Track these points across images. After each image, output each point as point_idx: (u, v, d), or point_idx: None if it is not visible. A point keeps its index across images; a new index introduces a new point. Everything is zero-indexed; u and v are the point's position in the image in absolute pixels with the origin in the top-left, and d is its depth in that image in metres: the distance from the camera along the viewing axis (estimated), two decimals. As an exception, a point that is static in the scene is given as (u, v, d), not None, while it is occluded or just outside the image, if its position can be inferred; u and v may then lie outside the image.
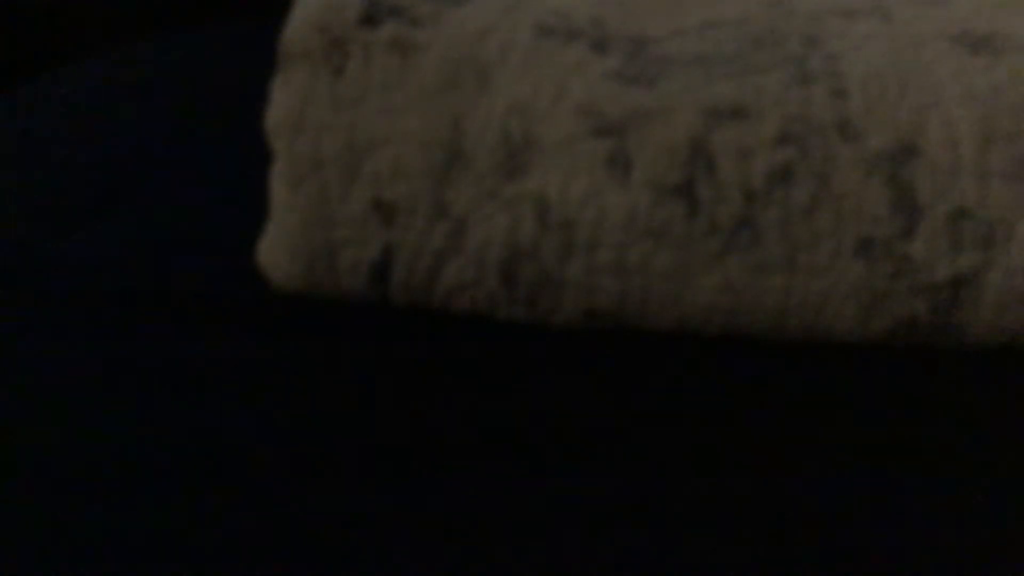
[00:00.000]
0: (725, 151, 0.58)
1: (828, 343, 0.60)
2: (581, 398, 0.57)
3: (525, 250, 0.60)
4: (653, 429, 0.55)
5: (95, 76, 1.02)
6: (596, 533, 0.48)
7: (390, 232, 0.61)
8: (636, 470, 0.52)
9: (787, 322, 0.60)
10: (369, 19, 0.61)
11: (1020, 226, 0.58)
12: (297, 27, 0.61)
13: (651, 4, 0.65)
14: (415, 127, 0.60)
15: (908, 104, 0.59)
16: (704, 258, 0.59)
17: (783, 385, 0.58)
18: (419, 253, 0.61)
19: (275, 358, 0.59)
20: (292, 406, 0.56)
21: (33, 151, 0.86)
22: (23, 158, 0.85)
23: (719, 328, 0.61)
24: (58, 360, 0.59)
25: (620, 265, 0.59)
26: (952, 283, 0.58)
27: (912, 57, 0.60)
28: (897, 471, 0.52)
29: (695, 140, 0.58)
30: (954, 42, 0.61)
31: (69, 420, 0.55)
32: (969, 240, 0.58)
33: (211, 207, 0.75)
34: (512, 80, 0.60)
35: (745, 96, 0.59)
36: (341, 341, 0.61)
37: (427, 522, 0.49)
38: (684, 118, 0.58)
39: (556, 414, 0.56)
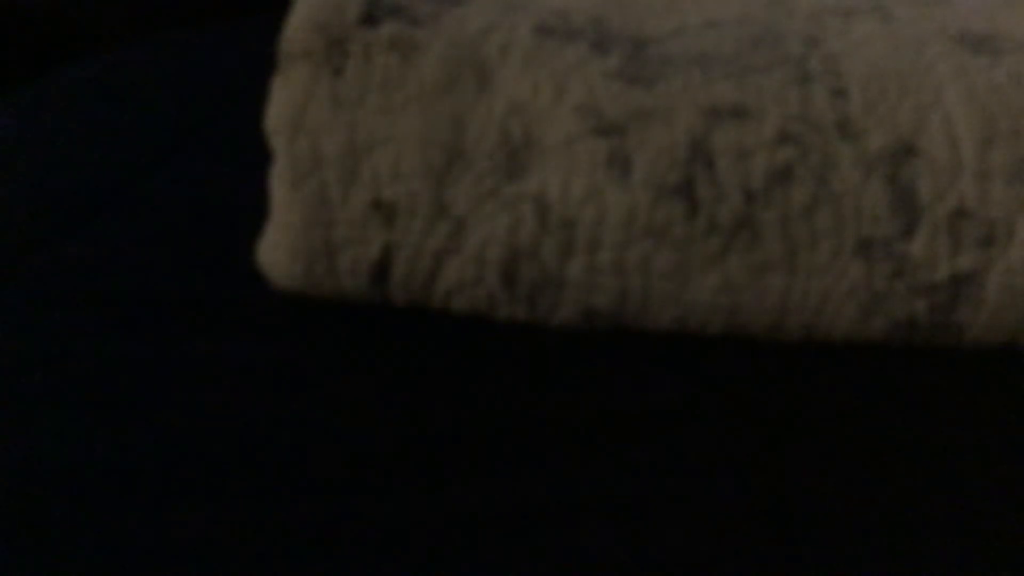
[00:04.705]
0: (725, 151, 0.58)
1: (828, 343, 0.60)
2: (581, 398, 0.57)
3: (525, 250, 0.60)
4: (653, 429, 0.55)
5: (95, 76, 1.02)
6: (596, 533, 0.48)
7: (390, 232, 0.61)
8: (636, 470, 0.52)
9: (787, 322, 0.60)
10: (369, 19, 0.61)
11: (1020, 226, 0.58)
12: (297, 27, 0.61)
13: (651, 4, 0.65)
14: (415, 127, 0.60)
15: (908, 104, 0.59)
16: (704, 258, 0.59)
17: (783, 385, 0.58)
18: (419, 253, 0.61)
19: (275, 358, 0.59)
20: (292, 406, 0.56)
21: (34, 151, 0.86)
22: (24, 158, 0.85)
23: (719, 328, 0.61)
24: (58, 360, 0.59)
25: (620, 265, 0.59)
26: (952, 283, 0.58)
27: (912, 57, 0.60)
28: (897, 471, 0.52)
29: (695, 140, 0.58)
30: (954, 42, 0.61)
31: (69, 420, 0.55)
32: (969, 240, 0.58)
33: (211, 207, 0.75)
34: (512, 80, 0.60)
35: (745, 96, 0.59)
36: (341, 341, 0.61)
37: (427, 522, 0.49)
38: (684, 118, 0.58)
39: (556, 414, 0.56)
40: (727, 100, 0.59)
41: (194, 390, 0.57)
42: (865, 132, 0.58)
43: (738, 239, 0.58)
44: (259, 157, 0.64)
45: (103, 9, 1.24)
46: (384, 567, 0.47)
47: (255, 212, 0.64)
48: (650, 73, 0.60)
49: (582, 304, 0.61)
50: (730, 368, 0.59)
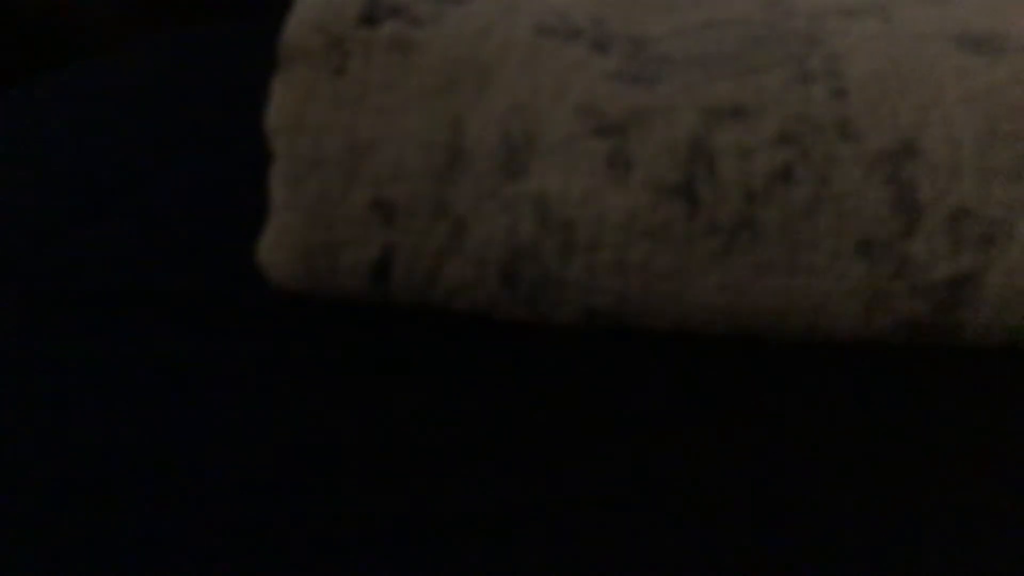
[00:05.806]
0: (725, 151, 0.58)
1: (828, 343, 0.60)
2: (581, 398, 0.57)
3: (525, 250, 0.60)
4: (653, 429, 0.55)
5: (95, 76, 1.02)
6: (596, 532, 0.48)
7: (390, 232, 0.61)
8: (636, 470, 0.52)
9: (787, 322, 0.60)
10: (369, 19, 0.61)
11: (1020, 226, 0.58)
12: (297, 27, 0.61)
13: (651, 4, 0.65)
14: (415, 127, 0.60)
15: (908, 104, 0.59)
16: (704, 258, 0.59)
17: (783, 385, 0.58)
18: (419, 253, 0.61)
19: (275, 358, 0.59)
20: (292, 406, 0.56)
21: (33, 151, 0.86)
22: (24, 158, 0.85)
23: (719, 328, 0.61)
24: (58, 360, 0.59)
25: (620, 265, 0.59)
26: (952, 283, 0.58)
27: (912, 57, 0.60)
28: (897, 471, 0.52)
29: (695, 140, 0.58)
30: (954, 42, 0.61)
31: (68, 420, 0.55)
32: (969, 240, 0.58)
33: (211, 207, 0.75)
34: (512, 80, 0.60)
35: (745, 96, 0.59)
36: (341, 341, 0.61)
37: (427, 522, 0.49)
38: (684, 118, 0.58)
39: (556, 414, 0.56)
40: (727, 100, 0.59)
41: (194, 389, 0.57)
42: (865, 132, 0.58)
43: (739, 239, 0.58)
44: (259, 157, 0.64)
45: (103, 9, 1.24)
46: (383, 566, 0.47)
47: (255, 212, 0.65)
48: (650, 73, 0.60)
49: (582, 304, 0.61)
50: (730, 368, 0.59)
